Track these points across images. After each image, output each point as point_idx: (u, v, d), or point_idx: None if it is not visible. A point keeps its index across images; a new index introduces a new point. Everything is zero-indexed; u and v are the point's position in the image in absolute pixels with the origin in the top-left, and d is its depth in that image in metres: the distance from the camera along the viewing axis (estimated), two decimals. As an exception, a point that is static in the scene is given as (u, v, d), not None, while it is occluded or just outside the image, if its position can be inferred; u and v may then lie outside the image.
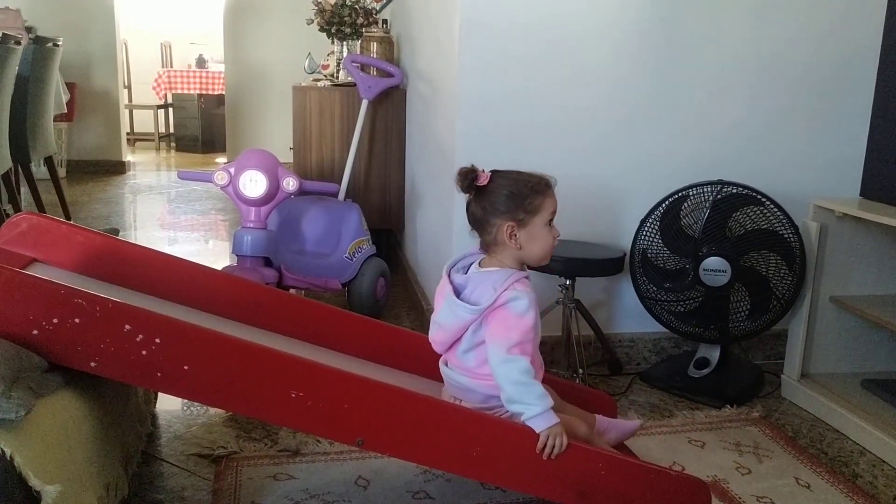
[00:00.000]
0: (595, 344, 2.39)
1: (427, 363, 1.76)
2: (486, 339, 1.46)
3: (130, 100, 8.01)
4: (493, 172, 1.50)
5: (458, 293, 1.49)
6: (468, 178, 1.48)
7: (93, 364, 1.26)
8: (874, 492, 1.72)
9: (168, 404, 2.01)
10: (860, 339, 2.21)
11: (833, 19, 2.34)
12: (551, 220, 1.52)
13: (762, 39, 2.33)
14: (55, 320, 1.24)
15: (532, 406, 1.40)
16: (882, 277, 2.17)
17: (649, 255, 2.24)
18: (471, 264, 1.55)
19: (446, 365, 1.57)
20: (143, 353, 1.26)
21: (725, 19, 2.30)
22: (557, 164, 2.30)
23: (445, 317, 1.50)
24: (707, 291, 2.17)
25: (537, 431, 1.38)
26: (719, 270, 2.13)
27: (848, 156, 2.37)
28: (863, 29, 2.32)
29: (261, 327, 1.75)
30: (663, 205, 2.21)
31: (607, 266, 2.17)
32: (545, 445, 1.37)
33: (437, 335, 1.55)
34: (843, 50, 2.36)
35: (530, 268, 1.57)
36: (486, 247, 1.53)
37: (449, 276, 1.54)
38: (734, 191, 2.15)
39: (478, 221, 1.51)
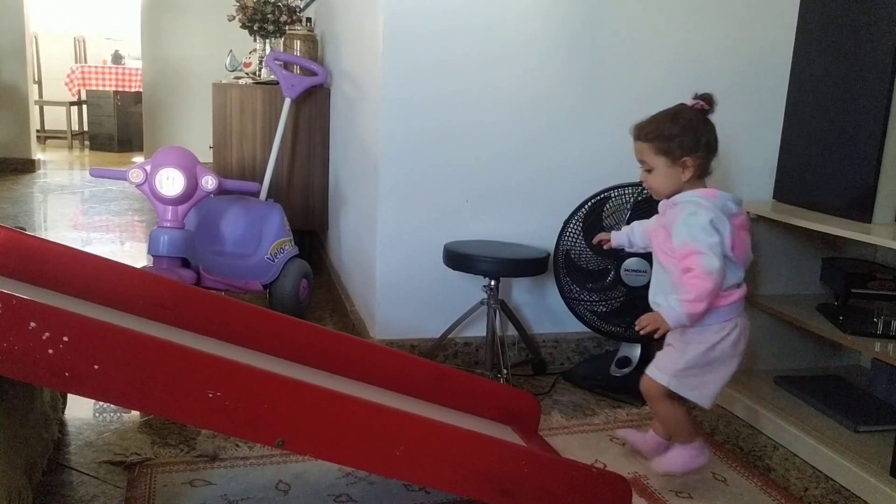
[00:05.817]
0: (519, 344, 2.40)
1: (350, 363, 1.73)
2: None
3: (41, 96, 7.70)
4: None
5: None
6: None
7: (-6, 364, 1.19)
8: (786, 484, 1.77)
9: (79, 411, 1.92)
10: (774, 338, 2.28)
11: (747, 27, 2.42)
12: (641, 162, 1.70)
13: (682, 48, 2.38)
14: (-48, 318, 1.16)
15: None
16: (794, 277, 2.25)
17: (572, 256, 2.26)
18: None
19: None
20: (50, 351, 1.19)
21: (647, 29, 2.35)
22: (482, 165, 2.32)
23: None
24: (628, 291, 2.21)
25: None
26: (640, 271, 2.17)
27: (762, 160, 2.44)
28: (775, 36, 2.40)
29: (179, 327, 1.68)
30: (586, 206, 2.24)
31: (531, 266, 2.18)
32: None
33: None
34: (757, 58, 2.43)
35: None
36: None
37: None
38: (654, 193, 2.19)
39: None
